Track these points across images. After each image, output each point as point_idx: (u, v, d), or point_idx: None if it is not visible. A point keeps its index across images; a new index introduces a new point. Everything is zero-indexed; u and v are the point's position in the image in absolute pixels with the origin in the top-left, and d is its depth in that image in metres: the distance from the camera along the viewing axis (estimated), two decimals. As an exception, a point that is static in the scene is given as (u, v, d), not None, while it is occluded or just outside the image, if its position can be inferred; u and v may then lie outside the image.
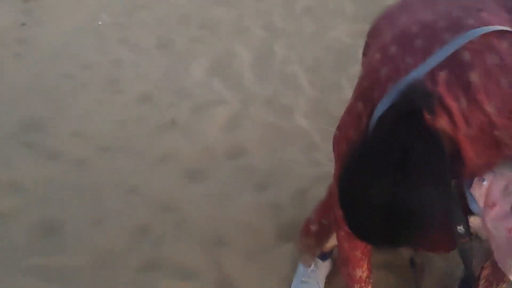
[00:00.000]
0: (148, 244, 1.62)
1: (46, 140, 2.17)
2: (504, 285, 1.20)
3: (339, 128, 1.03)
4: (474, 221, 1.03)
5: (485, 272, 1.16)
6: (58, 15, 3.63)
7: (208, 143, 2.15)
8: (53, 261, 1.55)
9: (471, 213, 1.02)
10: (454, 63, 0.80)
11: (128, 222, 1.70)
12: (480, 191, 0.96)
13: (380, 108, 0.84)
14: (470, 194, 0.98)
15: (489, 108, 0.78)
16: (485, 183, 0.96)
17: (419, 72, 0.82)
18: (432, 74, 0.80)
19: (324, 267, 1.51)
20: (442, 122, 0.80)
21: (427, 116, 0.77)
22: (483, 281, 1.20)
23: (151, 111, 2.41)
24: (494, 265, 1.10)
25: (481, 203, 0.97)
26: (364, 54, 1.18)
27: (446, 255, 1.49)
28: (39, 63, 2.93)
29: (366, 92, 0.92)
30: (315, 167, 1.95)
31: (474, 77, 0.78)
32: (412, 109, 0.76)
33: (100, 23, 3.46)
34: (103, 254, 1.58)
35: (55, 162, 2.04)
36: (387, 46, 0.92)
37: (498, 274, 1.16)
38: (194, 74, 2.76)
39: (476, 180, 0.97)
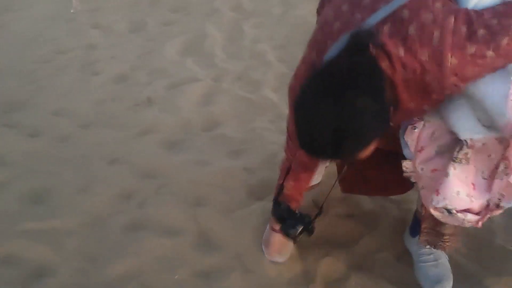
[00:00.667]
0: (133, 207, 1.76)
1: (27, 120, 2.27)
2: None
3: (295, 76, 1.19)
4: (406, 165, 1.20)
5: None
6: (32, 2, 3.68)
7: (184, 117, 2.29)
8: (44, 225, 1.67)
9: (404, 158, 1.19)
10: (395, 18, 0.97)
11: (113, 188, 1.83)
12: (412, 137, 1.14)
13: (331, 53, 1.00)
14: (404, 139, 1.16)
15: (422, 56, 0.95)
16: (416, 130, 1.13)
17: (366, 25, 0.98)
18: (377, 27, 0.97)
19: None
20: (383, 64, 0.97)
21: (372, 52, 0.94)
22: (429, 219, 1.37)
23: (128, 90, 2.53)
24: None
25: (412, 148, 1.15)
26: (318, 12, 1.35)
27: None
28: (15, 49, 3.00)
29: (320, 43, 1.08)
30: (283, 135, 2.09)
31: (411, 30, 0.95)
32: (359, 42, 0.93)
33: (72, 11, 3.53)
34: (91, 217, 1.71)
35: (39, 138, 2.14)
36: (339, 5, 1.09)
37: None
38: (168, 55, 2.88)
39: (409, 128, 1.15)
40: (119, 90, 2.54)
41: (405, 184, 1.33)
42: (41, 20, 3.42)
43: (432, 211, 1.12)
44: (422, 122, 1.13)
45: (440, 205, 1.08)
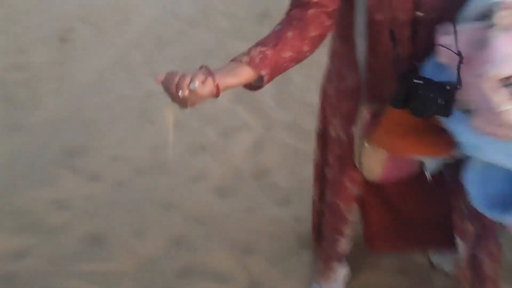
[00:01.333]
0: (184, 252, 1.79)
1: (87, 164, 2.39)
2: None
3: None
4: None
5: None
6: (93, 53, 3.96)
7: (235, 165, 2.34)
8: (99, 267, 1.73)
9: None
10: None
11: (165, 233, 1.88)
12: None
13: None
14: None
15: None
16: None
17: None
18: None
19: (341, 268, 1.64)
20: None
21: None
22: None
23: (182, 136, 2.63)
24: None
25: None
26: None
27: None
28: (76, 97, 3.21)
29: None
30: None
31: None
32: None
33: (131, 61, 3.77)
34: (144, 260, 1.76)
35: (97, 182, 2.25)
36: None
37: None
38: (220, 102, 2.98)
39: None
40: (173, 136, 2.64)
41: (446, 234, 1.31)
42: (101, 70, 3.67)
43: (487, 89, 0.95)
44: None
45: (492, 72, 0.93)
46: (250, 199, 2.08)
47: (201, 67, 0.97)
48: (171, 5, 4.60)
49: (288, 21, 1.08)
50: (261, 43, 1.03)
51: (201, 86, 0.91)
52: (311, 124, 2.62)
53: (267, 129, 2.64)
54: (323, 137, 1.55)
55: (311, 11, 1.06)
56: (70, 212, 2.05)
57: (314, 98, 2.93)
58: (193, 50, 3.82)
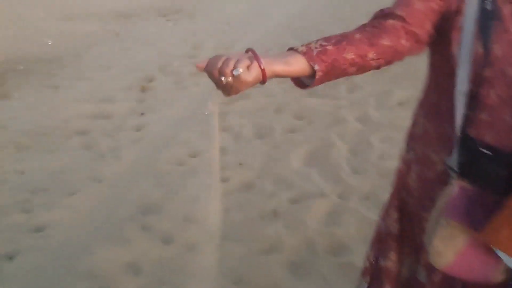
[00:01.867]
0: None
1: (160, 223, 2.39)
2: None
3: None
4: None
5: None
6: (170, 103, 4.08)
7: (308, 236, 2.22)
8: None
9: None
10: None
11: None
12: None
13: None
14: None
15: None
16: None
17: None
18: None
19: None
20: None
21: None
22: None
23: (253, 200, 2.57)
24: None
25: None
26: None
27: None
28: (153, 149, 3.28)
29: None
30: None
31: None
32: None
33: (206, 113, 3.84)
34: None
35: (169, 245, 2.23)
36: None
37: None
38: (293, 164, 2.92)
39: None
40: (245, 199, 2.59)
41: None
42: (177, 121, 3.76)
43: None
44: None
45: None
46: (325, 279, 1.95)
47: (247, 50, 0.90)
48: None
49: (362, 26, 1.00)
50: (324, 38, 0.94)
51: (246, 71, 0.83)
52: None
53: (343, 198, 2.51)
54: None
55: (390, 21, 0.99)
56: (142, 277, 2.02)
57: (393, 165, 2.79)
58: (265, 103, 3.83)
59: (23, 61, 5.94)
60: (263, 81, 0.87)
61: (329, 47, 0.91)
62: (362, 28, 0.99)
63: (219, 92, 0.88)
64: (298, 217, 2.37)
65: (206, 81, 3.97)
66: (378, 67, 1.00)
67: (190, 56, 5.81)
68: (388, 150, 2.88)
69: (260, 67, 0.84)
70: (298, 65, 0.89)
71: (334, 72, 0.92)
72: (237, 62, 0.83)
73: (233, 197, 2.62)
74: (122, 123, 3.73)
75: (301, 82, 0.96)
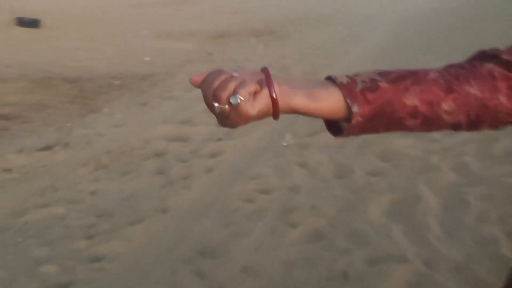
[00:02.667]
0: None
1: (217, 272, 2.20)
2: None
3: None
4: None
5: None
6: (249, 130, 3.94)
7: (382, 311, 1.89)
8: None
9: None
10: None
11: None
12: None
13: None
14: None
15: None
16: None
17: None
18: None
19: None
20: None
21: None
22: None
23: (322, 254, 2.29)
24: None
25: None
26: None
27: None
28: (224, 181, 3.14)
29: None
30: None
31: None
32: None
33: (284, 144, 3.63)
34: None
35: (223, 298, 2.03)
36: None
37: None
38: (372, 216, 2.58)
39: None
40: (313, 252, 2.31)
41: None
42: (252, 151, 3.60)
43: None
44: None
45: None
46: None
47: (262, 69, 0.64)
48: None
49: (446, 67, 0.70)
50: (381, 71, 0.66)
51: (249, 101, 0.59)
52: (488, 271, 2.04)
53: (429, 266, 2.13)
54: None
55: (489, 65, 0.69)
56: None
57: (494, 233, 2.34)
58: (347, 139, 3.52)
59: (120, 77, 6.25)
60: (274, 115, 0.62)
61: (383, 84, 0.63)
62: (444, 68, 0.70)
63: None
64: (372, 284, 2.04)
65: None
66: (455, 127, 0.69)
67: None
68: (487, 212, 2.43)
69: (271, 96, 0.60)
70: (330, 101, 0.62)
71: (382, 121, 0.64)
72: (240, 85, 0.59)
73: (300, 248, 2.35)
74: (198, 148, 3.66)
75: (334, 125, 0.69)
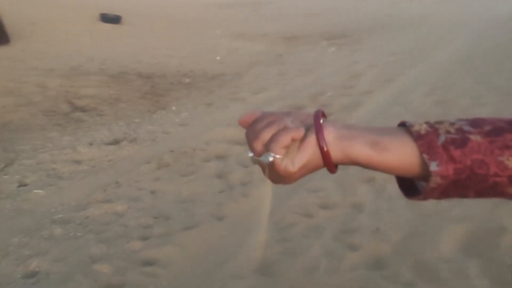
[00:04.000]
0: None
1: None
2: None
3: None
4: None
5: None
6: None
7: None
8: None
9: None
10: None
11: None
12: None
13: None
14: None
15: None
16: None
17: None
18: None
19: None
20: None
21: None
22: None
23: (382, 284, 2.09)
24: None
25: None
26: None
27: None
28: (283, 192, 3.01)
29: None
30: None
31: None
32: None
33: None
34: None
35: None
36: None
37: None
38: (443, 245, 2.34)
39: None
40: (372, 281, 2.13)
41: None
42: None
43: None
44: None
45: None
46: None
47: (316, 113, 0.51)
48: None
49: None
50: (472, 120, 0.51)
51: (286, 155, 0.48)
52: None
53: (508, 314, 1.86)
54: None
55: None
56: None
57: None
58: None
59: (191, 75, 6.35)
60: (329, 170, 0.51)
61: (475, 137, 0.49)
62: None
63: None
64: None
65: (358, 116, 3.65)
66: None
67: (345, 86, 5.46)
68: None
69: (320, 145, 0.48)
70: (400, 155, 0.49)
71: (471, 185, 0.49)
72: (274, 137, 0.48)
73: (357, 275, 2.18)
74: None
75: (409, 183, 0.55)
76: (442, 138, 0.49)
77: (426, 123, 0.51)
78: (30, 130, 4.15)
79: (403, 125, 0.52)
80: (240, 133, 3.97)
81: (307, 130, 0.50)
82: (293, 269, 2.21)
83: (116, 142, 3.84)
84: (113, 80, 5.76)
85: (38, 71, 6.00)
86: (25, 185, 3.14)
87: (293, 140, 0.49)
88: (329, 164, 0.50)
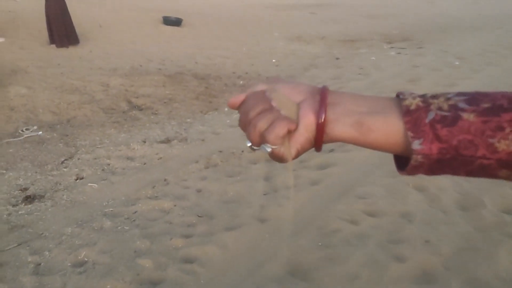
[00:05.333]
0: None
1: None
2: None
3: None
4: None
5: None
6: (353, 155, 3.61)
7: None
8: None
9: None
10: None
11: None
12: None
13: None
14: None
15: None
16: None
17: None
18: None
19: None
20: None
21: None
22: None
23: (429, 300, 1.97)
24: None
25: None
26: None
27: None
28: (329, 196, 2.94)
29: None
30: None
31: None
32: None
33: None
34: None
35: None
36: None
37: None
38: (502, 263, 2.16)
39: None
40: (418, 296, 2.01)
41: None
42: (364, 166, 3.33)
43: None
44: None
45: None
46: None
47: (323, 90, 0.51)
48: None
49: None
50: (472, 95, 0.47)
51: (282, 144, 0.49)
52: None
53: None
54: None
55: None
56: None
57: None
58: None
59: (245, 77, 6.40)
60: (316, 149, 0.51)
61: (467, 116, 0.45)
62: None
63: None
64: None
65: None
66: None
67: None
68: None
69: (318, 123, 0.49)
70: (384, 134, 0.48)
71: (457, 165, 0.46)
72: (270, 129, 0.49)
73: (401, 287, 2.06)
74: (307, 158, 3.51)
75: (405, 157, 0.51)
76: (431, 115, 0.45)
77: (421, 96, 0.48)
78: (91, 126, 4.37)
79: (399, 96, 0.50)
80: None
81: (300, 115, 0.50)
82: (333, 276, 2.13)
83: (167, 140, 3.94)
84: (169, 80, 5.94)
85: (102, 70, 6.32)
86: (82, 178, 3.30)
87: (289, 131, 0.50)
88: (319, 145, 0.50)
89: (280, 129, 0.49)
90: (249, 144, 0.52)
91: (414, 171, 0.48)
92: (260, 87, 0.54)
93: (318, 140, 0.50)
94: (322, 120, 0.49)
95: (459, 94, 0.47)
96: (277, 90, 0.53)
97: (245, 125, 0.52)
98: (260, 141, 0.51)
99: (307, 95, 0.52)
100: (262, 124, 0.50)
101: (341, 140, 0.50)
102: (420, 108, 0.46)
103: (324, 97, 0.50)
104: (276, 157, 0.51)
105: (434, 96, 0.47)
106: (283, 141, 0.50)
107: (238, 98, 0.55)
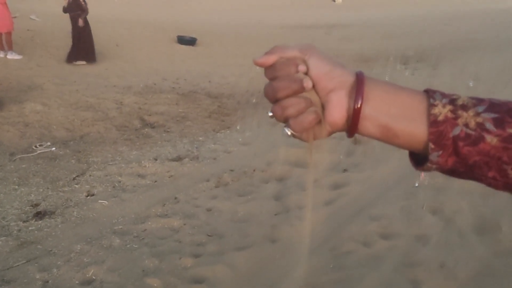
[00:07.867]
0: None
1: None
2: None
3: None
4: None
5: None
6: (377, 163, 3.60)
7: None
8: None
9: None
10: None
11: None
12: None
13: None
14: None
15: None
16: None
17: None
18: None
19: None
20: None
21: None
22: None
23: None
24: None
25: None
26: None
27: None
28: (342, 217, 2.88)
29: None
30: None
31: None
32: None
33: (416, 185, 3.22)
34: None
35: None
36: None
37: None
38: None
39: None
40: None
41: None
42: (379, 187, 3.27)
43: None
44: None
45: None
46: None
47: (359, 75, 0.51)
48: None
49: None
50: (498, 116, 0.46)
51: (313, 127, 0.50)
52: None
53: None
54: None
55: None
56: None
57: None
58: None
59: (258, 95, 6.40)
60: (349, 135, 0.51)
61: (491, 139, 0.45)
62: None
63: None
64: None
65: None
66: None
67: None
68: None
69: (355, 108, 0.48)
70: (409, 142, 0.50)
71: (464, 176, 0.49)
72: (297, 118, 0.50)
73: (418, 314, 1.99)
74: (321, 177, 3.46)
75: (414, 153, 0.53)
76: (456, 131, 0.46)
77: (452, 103, 0.47)
78: (103, 143, 4.40)
79: (429, 95, 0.50)
80: (302, 155, 3.89)
81: (327, 109, 0.50)
82: (345, 301, 2.07)
83: (178, 158, 3.94)
84: (182, 99, 5.98)
85: (117, 88, 6.40)
86: (93, 195, 3.30)
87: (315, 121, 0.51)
88: (355, 128, 0.50)
89: (308, 124, 0.50)
90: (271, 114, 0.52)
91: (426, 171, 0.50)
92: (291, 52, 0.51)
93: (352, 129, 0.50)
94: (356, 115, 0.49)
95: (489, 108, 0.46)
96: (310, 67, 0.50)
97: (269, 95, 0.51)
98: (284, 121, 0.51)
99: (338, 85, 0.50)
100: (290, 112, 0.50)
101: (366, 136, 0.52)
102: (447, 120, 0.46)
103: (361, 86, 0.49)
104: (296, 138, 0.53)
105: (464, 107, 0.47)
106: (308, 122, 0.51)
107: (268, 59, 0.53)
